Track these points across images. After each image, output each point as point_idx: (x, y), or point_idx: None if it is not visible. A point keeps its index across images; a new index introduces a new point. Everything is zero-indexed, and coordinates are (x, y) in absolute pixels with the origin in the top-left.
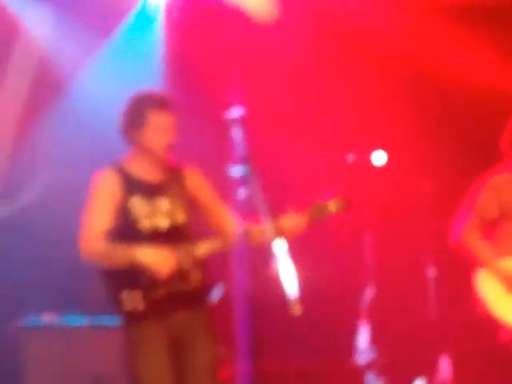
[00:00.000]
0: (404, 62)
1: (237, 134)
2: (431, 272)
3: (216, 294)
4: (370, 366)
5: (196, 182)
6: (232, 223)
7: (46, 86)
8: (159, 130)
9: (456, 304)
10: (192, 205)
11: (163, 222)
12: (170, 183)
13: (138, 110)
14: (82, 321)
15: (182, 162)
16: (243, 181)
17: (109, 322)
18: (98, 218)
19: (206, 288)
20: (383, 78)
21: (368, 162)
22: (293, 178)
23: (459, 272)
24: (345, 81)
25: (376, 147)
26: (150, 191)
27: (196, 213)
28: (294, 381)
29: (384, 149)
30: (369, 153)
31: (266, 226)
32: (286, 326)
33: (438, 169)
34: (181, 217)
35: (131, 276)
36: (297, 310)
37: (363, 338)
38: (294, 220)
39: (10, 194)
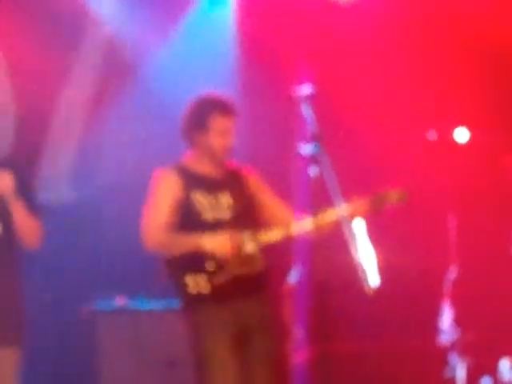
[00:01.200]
0: (487, 35)
1: (307, 112)
2: None
3: (292, 278)
4: (453, 347)
5: (255, 183)
6: (292, 221)
7: (117, 69)
8: (220, 133)
9: None
10: (253, 205)
11: (226, 215)
12: (230, 181)
13: (201, 113)
14: (153, 304)
15: (241, 165)
16: (314, 159)
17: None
18: (158, 213)
19: (270, 274)
20: (465, 51)
21: (450, 139)
22: (370, 157)
23: None
24: (424, 54)
25: (458, 124)
26: (212, 186)
27: (257, 214)
28: (375, 362)
29: (466, 125)
30: (451, 130)
31: (339, 206)
32: (368, 306)
33: None
34: (243, 211)
35: (196, 260)
36: (373, 290)
37: (446, 317)
38: (355, 208)
39: (79, 179)
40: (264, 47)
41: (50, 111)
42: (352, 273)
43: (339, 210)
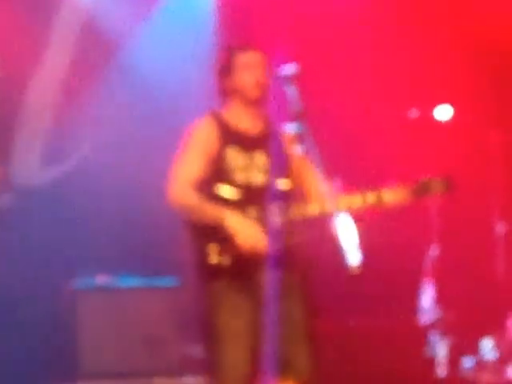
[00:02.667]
0: (469, 12)
1: (291, 91)
2: (500, 228)
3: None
4: (434, 326)
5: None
6: (324, 192)
7: (96, 48)
8: (246, 68)
9: None
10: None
11: (258, 178)
12: (269, 137)
13: (225, 58)
14: (134, 282)
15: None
16: (298, 138)
17: (161, 283)
18: (191, 166)
19: (296, 251)
20: (446, 29)
21: (432, 117)
22: (351, 135)
23: None
24: (405, 32)
25: (440, 101)
26: (248, 144)
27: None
28: (357, 340)
29: (448, 102)
30: (432, 107)
31: (322, 185)
32: (348, 285)
33: (507, 120)
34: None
35: (219, 230)
36: (355, 269)
37: (427, 297)
38: (396, 195)
39: (57, 158)
40: (245, 25)
41: (24, 92)
42: (334, 250)
43: (383, 193)
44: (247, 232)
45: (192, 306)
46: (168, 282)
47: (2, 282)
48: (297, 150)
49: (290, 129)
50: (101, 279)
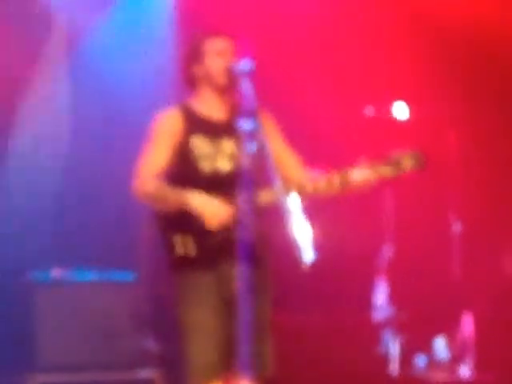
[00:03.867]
0: (425, 7)
1: (246, 87)
2: (455, 227)
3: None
4: (387, 323)
5: (266, 127)
6: (302, 175)
7: (56, 44)
8: (216, 54)
9: (481, 260)
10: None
11: (225, 165)
12: (237, 124)
13: (195, 44)
14: (90, 276)
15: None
16: (252, 135)
17: (118, 276)
18: (155, 157)
19: (264, 240)
20: (401, 23)
21: (388, 114)
22: (307, 132)
23: (486, 227)
24: (361, 28)
25: (396, 98)
26: (214, 131)
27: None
28: (310, 336)
29: (405, 100)
30: (389, 105)
31: (275, 182)
32: (302, 281)
33: (463, 119)
34: (247, 161)
35: (185, 220)
36: (308, 265)
37: (381, 294)
38: (364, 174)
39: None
40: (202, 19)
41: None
42: (287, 247)
43: (349, 173)
44: (212, 208)
45: (149, 299)
46: (125, 275)
47: None
48: (250, 147)
49: (244, 125)
50: (56, 272)
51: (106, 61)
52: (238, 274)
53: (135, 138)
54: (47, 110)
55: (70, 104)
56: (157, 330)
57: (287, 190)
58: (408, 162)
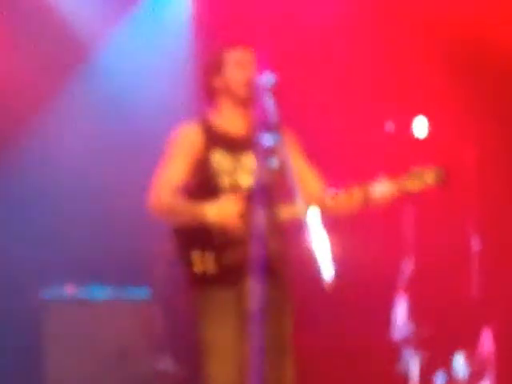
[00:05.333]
0: (449, 25)
1: (267, 101)
2: (475, 243)
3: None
4: (407, 341)
5: (288, 144)
6: (322, 191)
7: (69, 54)
8: (236, 65)
9: (501, 277)
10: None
11: (245, 180)
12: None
13: (215, 56)
14: (105, 293)
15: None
16: (272, 150)
17: (133, 294)
18: (172, 172)
19: (284, 256)
20: (422, 38)
21: (409, 130)
22: (327, 148)
23: (505, 244)
24: (382, 43)
25: (417, 114)
26: (234, 145)
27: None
28: (328, 355)
29: (425, 116)
30: (409, 120)
31: (297, 197)
32: (319, 299)
33: (483, 138)
34: (267, 176)
35: (204, 236)
36: (329, 283)
37: (401, 312)
38: (385, 188)
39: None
40: (221, 31)
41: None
42: (308, 265)
43: (370, 189)
44: (229, 215)
45: (164, 318)
46: (139, 293)
47: None
48: (271, 163)
49: (265, 140)
50: (70, 289)
51: (122, 71)
52: (251, 290)
53: (151, 152)
54: (61, 120)
55: (84, 114)
56: (172, 349)
57: (308, 206)
58: (430, 177)
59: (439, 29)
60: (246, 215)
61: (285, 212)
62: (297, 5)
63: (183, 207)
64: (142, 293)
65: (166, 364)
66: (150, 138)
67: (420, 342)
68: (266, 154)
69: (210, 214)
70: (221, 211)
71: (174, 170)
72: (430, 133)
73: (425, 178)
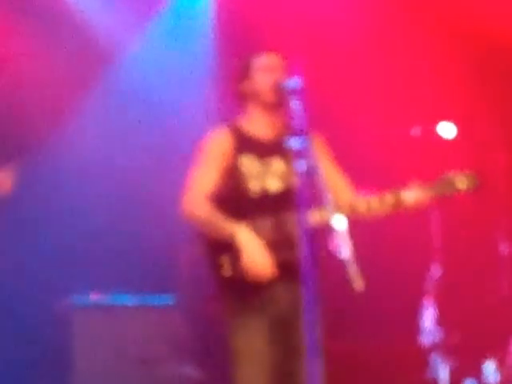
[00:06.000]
0: (478, 28)
1: (295, 105)
2: (504, 248)
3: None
4: (435, 347)
5: (318, 149)
6: (351, 196)
7: (94, 56)
8: (264, 70)
9: None
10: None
11: (275, 185)
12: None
13: (242, 61)
14: (130, 300)
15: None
16: (301, 154)
17: (158, 300)
18: (205, 178)
19: (313, 262)
20: (450, 42)
21: (435, 135)
22: (353, 153)
23: None
24: (409, 47)
25: (443, 119)
26: (264, 150)
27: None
28: (355, 361)
29: (452, 121)
30: (436, 125)
31: (325, 202)
32: (347, 304)
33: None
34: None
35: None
36: (358, 286)
37: (429, 318)
38: (416, 194)
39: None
40: (246, 37)
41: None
42: (334, 270)
43: (401, 194)
44: (255, 254)
45: (188, 324)
46: (164, 300)
47: None
48: (299, 167)
49: (293, 144)
50: (95, 297)
51: (145, 76)
52: (286, 295)
53: (176, 157)
54: (85, 124)
55: (109, 117)
56: (196, 355)
57: (337, 211)
58: (462, 183)
59: (468, 32)
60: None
61: (314, 216)
62: (323, 8)
63: (216, 219)
64: (166, 299)
65: (191, 370)
66: (176, 141)
67: (448, 348)
68: (295, 157)
69: (241, 237)
70: (251, 244)
71: (206, 177)
72: (458, 137)
73: (457, 184)
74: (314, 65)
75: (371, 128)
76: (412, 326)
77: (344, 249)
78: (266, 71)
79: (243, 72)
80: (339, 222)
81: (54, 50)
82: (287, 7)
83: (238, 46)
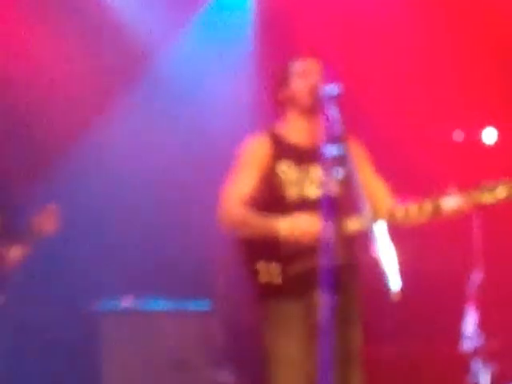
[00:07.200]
0: None
1: (332, 112)
2: None
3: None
4: (476, 353)
5: (355, 153)
6: (391, 203)
7: (134, 59)
8: (300, 75)
9: None
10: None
11: (313, 192)
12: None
13: (280, 67)
14: (162, 305)
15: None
16: (339, 161)
17: (193, 306)
18: (242, 184)
19: (353, 268)
20: (494, 49)
21: (478, 139)
22: (393, 158)
23: None
24: (453, 52)
25: (486, 124)
26: (302, 157)
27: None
28: (397, 367)
29: (495, 125)
30: (478, 130)
31: (363, 209)
32: (388, 309)
33: None
34: (334, 188)
35: (270, 247)
36: (396, 294)
37: (470, 323)
38: (456, 202)
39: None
40: (287, 40)
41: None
42: (374, 276)
43: (441, 201)
44: (302, 226)
45: (224, 330)
46: (199, 305)
47: (25, 303)
48: (337, 174)
49: (331, 150)
50: (127, 301)
51: (184, 77)
52: (321, 302)
53: (213, 163)
54: (123, 127)
55: (145, 122)
56: (232, 361)
57: (375, 218)
58: (503, 191)
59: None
60: (317, 230)
61: (352, 223)
62: (362, 13)
63: (255, 220)
64: (202, 304)
65: (226, 376)
66: (215, 145)
67: (491, 353)
68: (332, 164)
69: (283, 227)
70: (294, 226)
71: (243, 183)
72: (500, 142)
73: (497, 193)
74: (355, 70)
75: (412, 133)
76: (453, 331)
77: (383, 254)
78: (302, 76)
79: (280, 78)
80: (378, 229)
81: (92, 53)
82: (328, 11)
83: (277, 50)
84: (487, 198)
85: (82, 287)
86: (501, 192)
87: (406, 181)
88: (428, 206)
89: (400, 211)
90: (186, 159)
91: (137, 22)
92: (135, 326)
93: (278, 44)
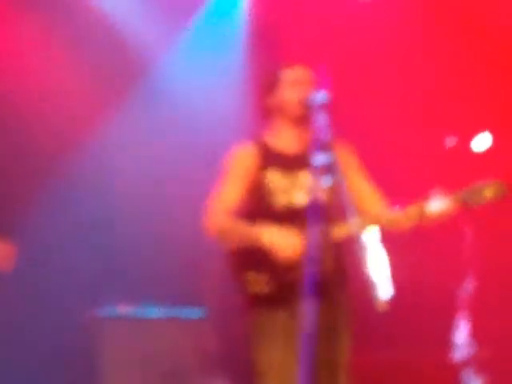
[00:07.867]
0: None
1: (321, 120)
2: None
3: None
4: (468, 362)
5: (345, 159)
6: (381, 208)
7: (128, 69)
8: (291, 84)
9: None
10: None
11: (301, 199)
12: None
13: (270, 75)
14: (157, 312)
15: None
16: (326, 169)
17: (184, 314)
18: (228, 193)
19: (341, 276)
20: (487, 52)
21: (470, 145)
22: (384, 164)
23: None
24: (445, 57)
25: (479, 130)
26: (290, 164)
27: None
28: (388, 376)
29: (488, 131)
30: (471, 135)
31: (351, 216)
32: (378, 318)
33: None
34: (322, 195)
35: (258, 257)
36: (383, 304)
37: (461, 332)
38: (441, 204)
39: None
40: (278, 49)
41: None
42: (365, 284)
43: (426, 205)
44: (283, 240)
45: (216, 337)
46: (192, 313)
47: (24, 310)
48: (325, 181)
49: (319, 158)
50: (123, 308)
51: (180, 87)
52: (302, 311)
53: (205, 172)
54: (120, 135)
55: (143, 132)
56: (225, 368)
57: (364, 224)
58: (488, 192)
59: (505, 42)
60: (300, 244)
61: (339, 231)
62: (353, 21)
63: (239, 229)
64: (194, 312)
65: (220, 383)
66: (205, 153)
67: (482, 364)
68: (320, 172)
69: (264, 236)
70: (276, 236)
71: (229, 192)
72: (492, 147)
73: (484, 193)
74: (346, 77)
75: (404, 139)
76: (445, 340)
77: (372, 262)
78: (293, 85)
79: (270, 86)
80: (368, 235)
81: (85, 61)
82: (318, 19)
83: (268, 59)
84: (475, 199)
85: (78, 294)
86: (488, 192)
87: (399, 186)
88: (413, 211)
89: (386, 217)
90: (176, 169)
91: (130, 31)
92: (130, 332)
93: (269, 53)
